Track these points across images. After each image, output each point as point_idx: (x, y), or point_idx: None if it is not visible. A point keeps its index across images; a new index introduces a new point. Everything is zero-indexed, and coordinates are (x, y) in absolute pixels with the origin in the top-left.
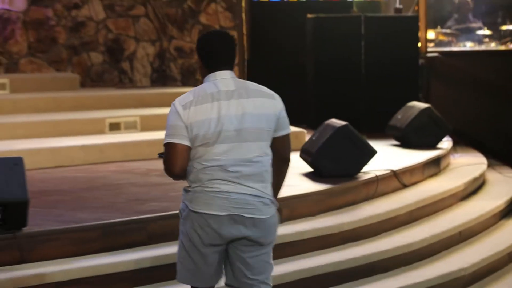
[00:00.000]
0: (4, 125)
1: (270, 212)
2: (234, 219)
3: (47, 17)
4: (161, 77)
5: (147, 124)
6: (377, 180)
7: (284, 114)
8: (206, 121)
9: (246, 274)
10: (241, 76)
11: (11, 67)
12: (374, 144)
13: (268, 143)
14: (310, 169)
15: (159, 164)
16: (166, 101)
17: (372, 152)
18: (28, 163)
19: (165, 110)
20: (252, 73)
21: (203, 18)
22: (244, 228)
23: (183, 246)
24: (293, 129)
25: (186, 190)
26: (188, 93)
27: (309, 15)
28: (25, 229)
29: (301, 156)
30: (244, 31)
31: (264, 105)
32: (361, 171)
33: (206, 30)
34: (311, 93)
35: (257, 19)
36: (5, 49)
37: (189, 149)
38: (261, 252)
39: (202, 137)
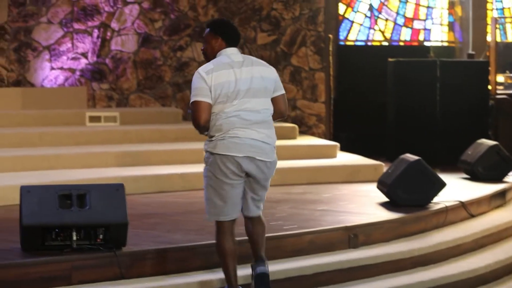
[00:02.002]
0: (114, 153)
1: (274, 156)
2: (250, 158)
3: (155, 58)
4: None
5: None
6: (446, 210)
7: (278, 79)
8: (226, 83)
9: (255, 205)
10: (327, 113)
11: (122, 102)
12: (446, 177)
13: (269, 100)
14: (385, 199)
15: None
16: None
17: (442, 185)
18: (133, 188)
19: None
20: (338, 111)
21: (294, 60)
22: (255, 166)
23: (211, 186)
24: (372, 162)
25: (208, 141)
26: (208, 63)
27: (390, 59)
28: (125, 249)
29: (378, 187)
30: (331, 72)
31: (265, 71)
32: (432, 201)
33: (296, 71)
34: (391, 129)
35: (343, 61)
36: (117, 86)
37: (210, 106)
38: (265, 183)
39: (223, 95)
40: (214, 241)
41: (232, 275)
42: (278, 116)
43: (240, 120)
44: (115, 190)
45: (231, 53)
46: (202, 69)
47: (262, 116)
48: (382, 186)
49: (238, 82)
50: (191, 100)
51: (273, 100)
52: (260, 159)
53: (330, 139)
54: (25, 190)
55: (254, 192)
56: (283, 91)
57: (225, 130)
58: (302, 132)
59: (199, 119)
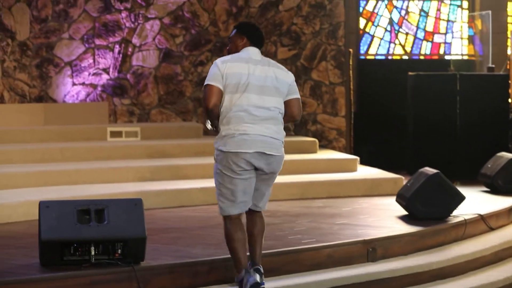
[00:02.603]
0: (135, 168)
1: (282, 151)
2: (259, 154)
3: (175, 73)
4: None
5: None
6: (465, 223)
7: (294, 84)
8: (238, 74)
9: (258, 199)
10: (348, 127)
11: (143, 117)
12: (465, 190)
13: (281, 100)
14: (405, 213)
15: (269, 206)
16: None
17: (461, 198)
18: (153, 203)
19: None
20: (358, 124)
21: (314, 75)
22: (265, 161)
23: (222, 182)
24: (392, 175)
25: (219, 138)
26: (226, 56)
27: (410, 73)
28: (143, 263)
29: (397, 200)
30: (351, 86)
31: (280, 74)
32: (451, 214)
33: (317, 85)
34: (411, 142)
35: (364, 75)
36: (138, 101)
37: (221, 91)
38: (272, 178)
39: (233, 85)
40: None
41: (242, 258)
42: (289, 118)
43: (249, 116)
44: (133, 205)
45: (251, 51)
46: (219, 59)
47: (271, 114)
48: (401, 199)
49: (250, 77)
50: (204, 84)
51: (287, 103)
52: (269, 153)
53: (350, 153)
54: (44, 205)
55: (259, 188)
56: (297, 96)
57: (234, 124)
58: (323, 146)
59: (208, 101)
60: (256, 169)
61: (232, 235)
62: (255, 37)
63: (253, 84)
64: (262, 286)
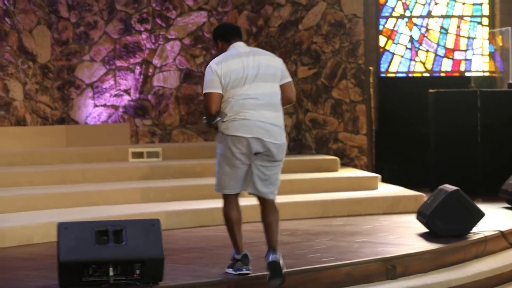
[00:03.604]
0: (156, 188)
1: (282, 139)
2: (257, 139)
3: (196, 93)
4: (297, 146)
5: (284, 188)
6: (485, 240)
7: (285, 68)
8: (235, 70)
9: (262, 184)
10: (369, 145)
11: (165, 137)
12: (486, 206)
13: (277, 85)
14: (425, 230)
15: (290, 225)
16: (302, 168)
17: (481, 215)
18: (174, 223)
19: (299, 176)
20: (380, 142)
21: (335, 93)
22: (263, 147)
23: (220, 162)
24: (413, 193)
25: (221, 122)
26: (218, 56)
27: (430, 90)
28: (162, 283)
29: (417, 217)
30: (372, 104)
31: (270, 60)
32: (471, 231)
33: (337, 103)
34: (432, 159)
35: (385, 93)
36: (160, 121)
37: (220, 96)
38: (273, 166)
39: (233, 81)
40: (255, 274)
41: (238, 240)
42: (286, 102)
43: (250, 103)
44: (151, 226)
45: (237, 46)
46: (213, 62)
47: (270, 99)
48: (421, 216)
49: (246, 69)
50: (203, 92)
51: (282, 87)
52: (268, 141)
53: (372, 171)
54: (63, 227)
55: (261, 171)
56: (290, 79)
57: (236, 111)
58: (344, 164)
59: (210, 109)
60: (256, 154)
61: (229, 215)
62: (226, 34)
63: (250, 75)
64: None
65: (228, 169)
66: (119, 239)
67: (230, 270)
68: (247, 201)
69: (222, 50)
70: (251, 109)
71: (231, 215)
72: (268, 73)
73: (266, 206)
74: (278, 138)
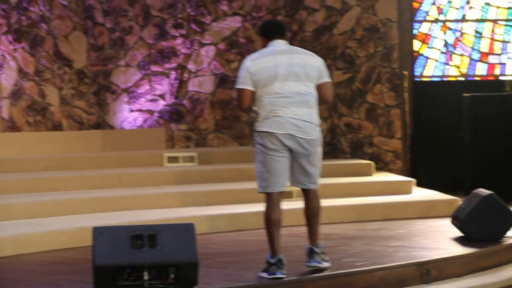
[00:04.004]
0: (191, 193)
1: (315, 134)
2: (290, 135)
3: (231, 98)
4: (332, 150)
5: (319, 193)
6: None
7: (323, 68)
8: (267, 67)
9: (305, 175)
10: (404, 149)
11: (200, 142)
12: None
13: (312, 84)
14: (460, 234)
15: (325, 229)
16: (337, 172)
17: None
18: (209, 228)
19: (334, 180)
20: (415, 146)
21: (369, 97)
22: (296, 143)
23: (260, 161)
24: (447, 197)
25: (256, 121)
26: (255, 52)
27: (465, 94)
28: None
29: (451, 222)
30: (407, 109)
31: (307, 59)
32: (506, 235)
33: (372, 108)
34: (468, 163)
35: (419, 97)
36: (195, 126)
37: (251, 92)
38: (311, 159)
39: (264, 79)
40: (283, 279)
41: (275, 243)
42: (321, 101)
43: (282, 101)
44: (186, 230)
45: (276, 43)
46: (248, 57)
47: (303, 97)
48: (456, 221)
49: (279, 67)
50: (236, 86)
51: (318, 86)
52: (300, 137)
53: (407, 175)
54: (98, 231)
55: (301, 166)
56: (327, 79)
57: (268, 110)
58: (379, 169)
59: (241, 104)
60: (290, 150)
61: (269, 216)
62: (268, 31)
63: (283, 73)
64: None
65: (267, 166)
66: (154, 244)
67: (265, 274)
68: (283, 206)
69: (263, 46)
70: (284, 106)
71: (272, 216)
72: (302, 72)
73: (308, 196)
74: (311, 133)
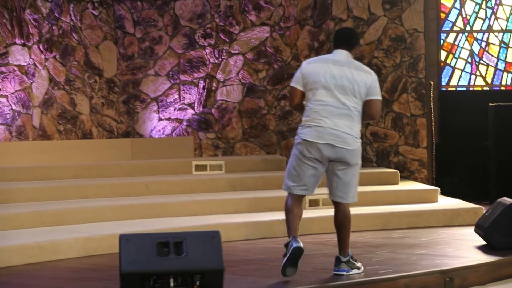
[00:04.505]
0: (218, 201)
1: (355, 144)
2: (330, 145)
3: (259, 107)
4: None
5: None
6: None
7: (375, 85)
8: (317, 73)
9: (339, 188)
10: (430, 158)
11: (228, 151)
12: None
13: (358, 100)
14: (483, 242)
15: (351, 237)
16: (363, 180)
17: None
18: (235, 235)
19: (361, 189)
20: (441, 155)
21: (395, 107)
22: (335, 153)
23: (292, 162)
24: (472, 205)
25: (300, 126)
26: (316, 57)
27: (491, 104)
28: None
29: (475, 230)
30: (432, 118)
31: (359, 75)
32: None
33: (398, 117)
34: (494, 172)
35: (446, 107)
36: (223, 135)
37: (301, 92)
38: (348, 170)
39: (311, 82)
40: (310, 286)
41: (292, 228)
42: (367, 118)
43: (325, 109)
44: (211, 237)
45: (337, 52)
46: (306, 60)
47: (345, 111)
48: (479, 229)
49: (326, 75)
50: (290, 84)
51: (366, 103)
52: (339, 146)
53: (432, 184)
54: (124, 239)
55: (338, 176)
56: (377, 97)
57: (312, 117)
58: (405, 177)
59: (290, 102)
60: (330, 160)
61: (288, 206)
62: (336, 40)
63: (330, 83)
64: (299, 248)
65: (298, 170)
66: (180, 251)
67: (285, 259)
68: (307, 213)
69: (330, 52)
70: (325, 116)
71: (291, 207)
72: (349, 87)
73: (338, 209)
74: (351, 143)
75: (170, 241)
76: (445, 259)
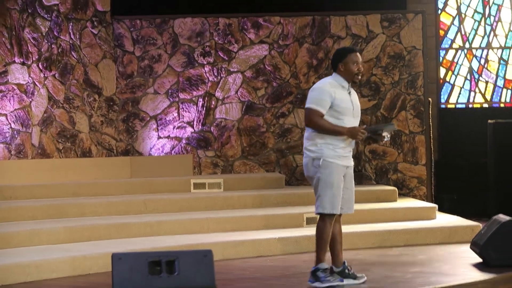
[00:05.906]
0: (215, 219)
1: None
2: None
3: (258, 125)
4: (357, 177)
5: (343, 219)
6: None
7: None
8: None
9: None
10: (428, 175)
11: (227, 169)
12: None
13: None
14: (479, 260)
15: (346, 255)
16: (361, 198)
17: None
18: (232, 253)
19: (358, 206)
20: (440, 172)
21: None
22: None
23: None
24: (469, 223)
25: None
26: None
27: (489, 120)
28: None
29: (471, 247)
30: (431, 135)
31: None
32: None
33: (397, 134)
34: (492, 189)
35: (445, 124)
36: (222, 153)
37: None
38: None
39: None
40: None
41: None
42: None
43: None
44: (203, 256)
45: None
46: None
47: None
48: (475, 247)
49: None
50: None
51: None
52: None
53: (431, 201)
54: (117, 258)
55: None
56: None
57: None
58: (404, 195)
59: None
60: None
61: (328, 233)
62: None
63: (354, 109)
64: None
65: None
66: (172, 270)
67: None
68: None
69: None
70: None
71: (328, 234)
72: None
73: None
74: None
75: (162, 260)
76: (441, 276)
